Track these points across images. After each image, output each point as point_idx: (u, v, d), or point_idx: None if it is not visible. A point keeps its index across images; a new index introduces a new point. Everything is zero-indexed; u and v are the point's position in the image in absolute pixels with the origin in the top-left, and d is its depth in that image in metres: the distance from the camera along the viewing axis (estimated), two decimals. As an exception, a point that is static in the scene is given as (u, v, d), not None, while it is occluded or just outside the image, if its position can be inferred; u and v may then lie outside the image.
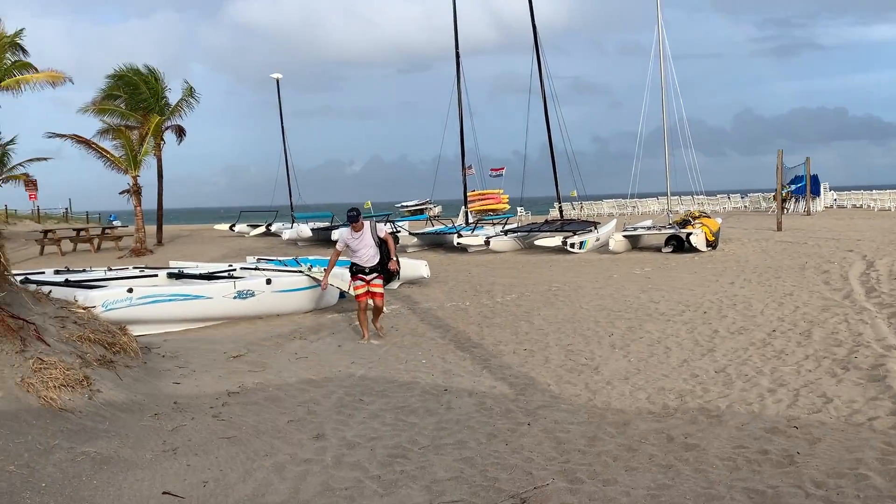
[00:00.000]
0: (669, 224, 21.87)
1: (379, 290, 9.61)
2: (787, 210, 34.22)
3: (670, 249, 20.12)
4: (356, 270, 9.56)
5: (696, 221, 20.69)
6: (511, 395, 6.92)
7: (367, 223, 9.54)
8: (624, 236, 21.40)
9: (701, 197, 37.98)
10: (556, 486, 4.56)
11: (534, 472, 4.82)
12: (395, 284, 13.85)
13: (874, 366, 7.35)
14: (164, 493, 4.58)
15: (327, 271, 9.90)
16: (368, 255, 9.43)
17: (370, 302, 9.64)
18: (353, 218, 9.37)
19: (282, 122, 37.99)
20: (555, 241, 21.44)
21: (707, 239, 19.76)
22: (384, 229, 9.74)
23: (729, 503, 4.27)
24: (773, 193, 39.97)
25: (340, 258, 9.76)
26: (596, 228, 23.59)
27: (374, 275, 9.50)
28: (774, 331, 9.37)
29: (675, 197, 34.61)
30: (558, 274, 16.62)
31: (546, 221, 26.43)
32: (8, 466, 4.57)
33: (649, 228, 22.95)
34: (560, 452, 5.23)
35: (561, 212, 28.12)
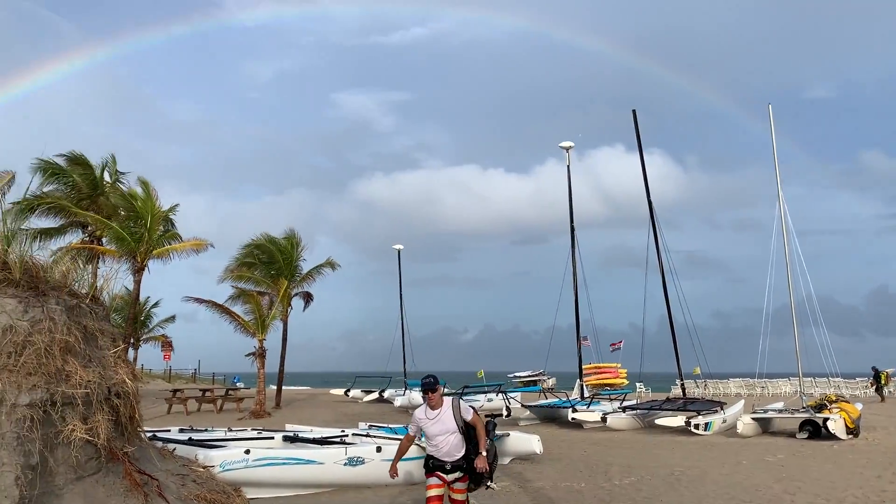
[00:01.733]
0: (804, 407, 20.38)
1: (460, 496, 6.90)
2: (891, 392, 31.43)
3: (805, 435, 18.64)
4: (433, 466, 6.93)
5: (834, 406, 19.20)
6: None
7: (448, 400, 7.03)
8: (753, 419, 20.09)
9: (837, 379, 35.44)
10: None
11: None
12: (504, 460, 13.26)
13: None
14: None
15: (396, 457, 7.18)
16: (448, 443, 6.83)
17: None
18: (430, 386, 6.85)
19: (400, 291, 39.49)
20: (677, 420, 20.42)
21: (847, 426, 18.22)
22: (470, 410, 7.00)
23: None
24: (870, 379, 37.08)
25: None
26: (722, 409, 22.33)
27: (457, 474, 6.84)
28: (935, 536, 8.29)
29: (808, 378, 32.43)
30: (681, 457, 15.62)
31: (668, 399, 25.30)
32: None
33: (781, 411, 21.47)
34: None
35: (683, 390, 26.97)
